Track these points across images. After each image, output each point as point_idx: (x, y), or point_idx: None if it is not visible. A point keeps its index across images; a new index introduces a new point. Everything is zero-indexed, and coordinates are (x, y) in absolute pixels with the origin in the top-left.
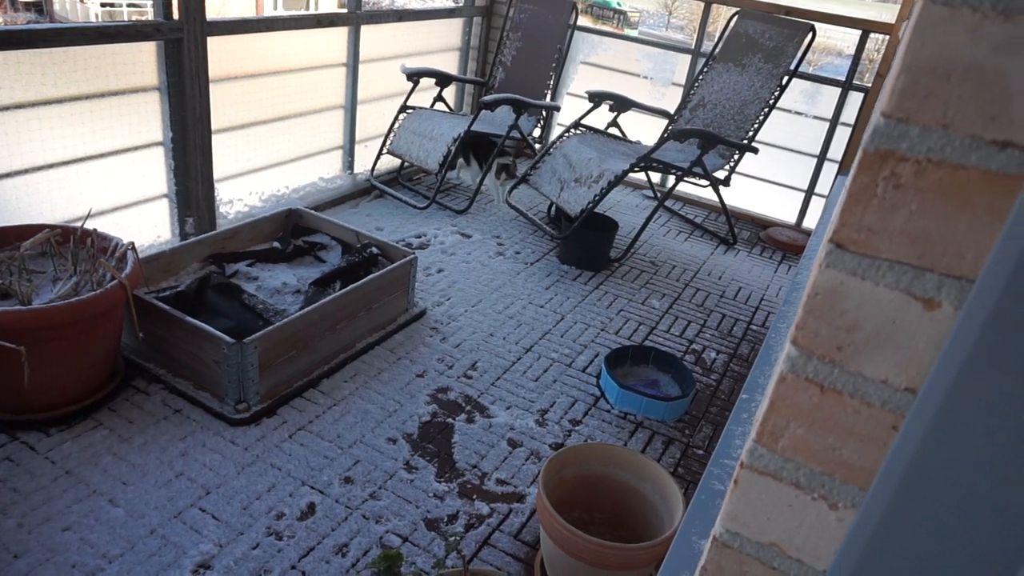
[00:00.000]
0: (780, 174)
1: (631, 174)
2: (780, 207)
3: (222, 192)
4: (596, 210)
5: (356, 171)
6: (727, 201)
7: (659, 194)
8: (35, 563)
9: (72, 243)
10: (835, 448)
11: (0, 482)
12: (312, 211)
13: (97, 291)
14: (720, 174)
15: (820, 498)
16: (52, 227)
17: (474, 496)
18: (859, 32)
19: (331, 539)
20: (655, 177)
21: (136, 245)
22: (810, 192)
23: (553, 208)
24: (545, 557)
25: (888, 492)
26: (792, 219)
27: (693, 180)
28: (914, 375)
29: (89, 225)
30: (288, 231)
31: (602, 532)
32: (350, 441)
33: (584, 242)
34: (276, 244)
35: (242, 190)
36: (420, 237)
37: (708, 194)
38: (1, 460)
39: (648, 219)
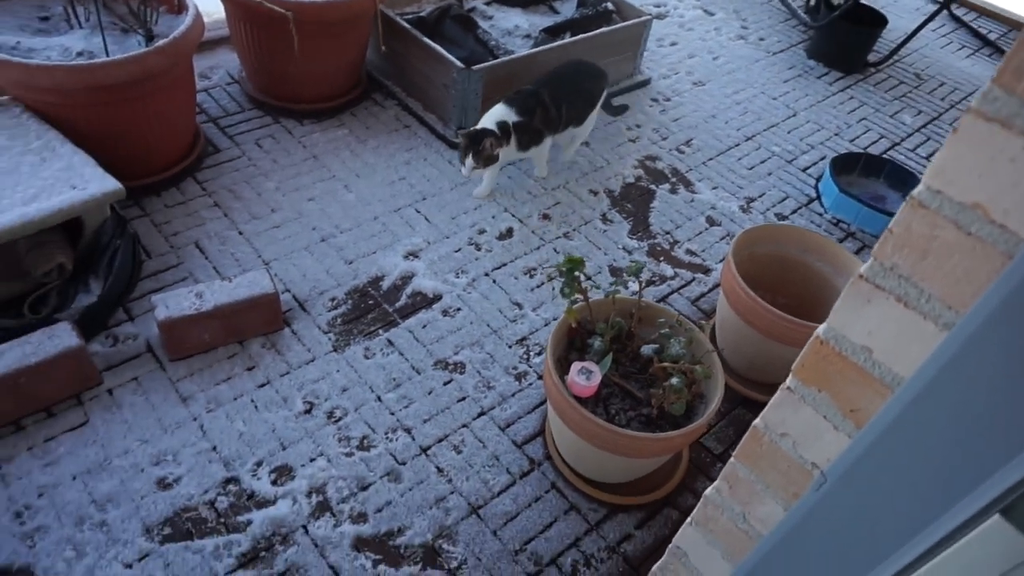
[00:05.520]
0: None
1: None
2: None
3: None
4: (865, 1)
5: None
6: None
7: None
8: (286, 219)
9: None
10: None
11: (265, 153)
12: None
13: None
14: None
15: None
16: None
17: (661, 258)
18: None
19: (522, 260)
20: None
21: None
22: None
23: None
24: (718, 323)
25: None
26: None
27: None
28: None
29: None
30: None
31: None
32: (554, 184)
33: (841, 37)
34: None
35: None
36: (660, 7)
37: (1014, 5)
38: (266, 136)
39: (925, 22)
